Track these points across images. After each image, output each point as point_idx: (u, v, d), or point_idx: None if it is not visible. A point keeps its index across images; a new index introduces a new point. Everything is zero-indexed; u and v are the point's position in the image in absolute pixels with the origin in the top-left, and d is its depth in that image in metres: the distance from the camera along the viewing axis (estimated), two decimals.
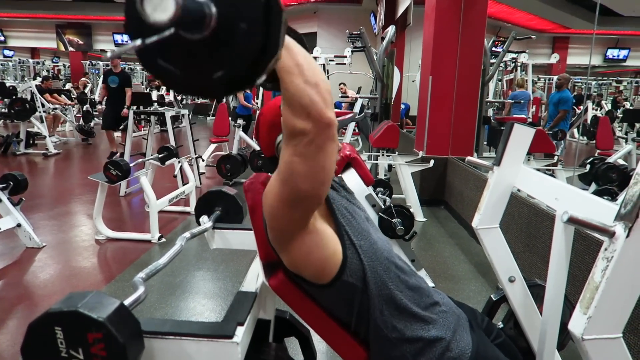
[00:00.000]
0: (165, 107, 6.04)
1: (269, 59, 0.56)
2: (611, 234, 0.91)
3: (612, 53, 13.92)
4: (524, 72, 9.06)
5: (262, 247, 1.13)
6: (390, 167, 5.21)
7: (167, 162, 4.11)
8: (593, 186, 4.14)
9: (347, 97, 7.73)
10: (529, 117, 8.13)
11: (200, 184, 5.35)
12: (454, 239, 3.75)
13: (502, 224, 1.48)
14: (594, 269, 0.94)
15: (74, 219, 4.09)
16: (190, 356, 1.00)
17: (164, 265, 1.35)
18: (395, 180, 4.65)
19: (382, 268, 0.99)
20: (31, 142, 7.60)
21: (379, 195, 2.94)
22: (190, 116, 5.81)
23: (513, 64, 9.38)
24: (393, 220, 2.60)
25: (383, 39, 5.34)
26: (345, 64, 8.67)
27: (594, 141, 6.15)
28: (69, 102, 9.99)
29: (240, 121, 6.36)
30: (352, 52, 7.14)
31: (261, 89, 8.76)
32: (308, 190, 0.82)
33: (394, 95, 6.62)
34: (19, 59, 15.48)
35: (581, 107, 8.78)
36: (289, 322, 1.52)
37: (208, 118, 14.79)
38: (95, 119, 11.57)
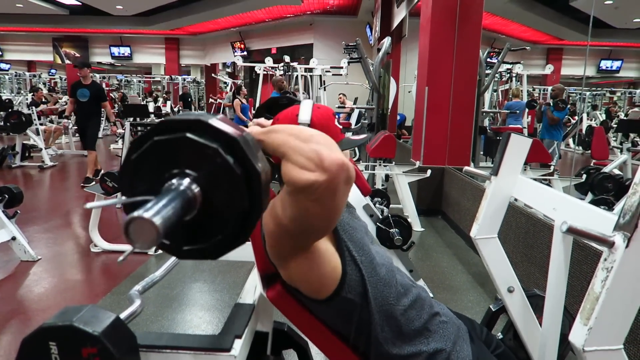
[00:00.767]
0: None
1: (258, 217, 0.59)
2: (610, 244, 0.91)
3: (605, 64, 14.06)
4: (519, 83, 9.13)
5: (260, 259, 1.12)
6: (387, 177, 5.21)
7: None
8: (589, 196, 4.15)
9: (345, 107, 7.78)
10: (525, 127, 8.19)
11: None
12: (452, 249, 3.74)
13: (500, 233, 1.48)
14: (594, 280, 0.94)
15: (69, 232, 4.06)
16: None
17: (160, 278, 1.34)
18: (393, 190, 4.65)
19: (382, 283, 0.97)
20: (27, 154, 7.58)
21: (377, 205, 2.94)
22: None
23: (508, 75, 9.46)
24: (391, 230, 2.59)
25: (379, 50, 5.38)
26: (341, 74, 8.73)
27: (589, 151, 6.19)
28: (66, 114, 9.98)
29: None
30: (349, 63, 7.17)
31: (257, 100, 8.79)
32: (318, 228, 0.80)
33: (390, 106, 6.65)
34: (16, 72, 15.49)
35: (576, 118, 8.84)
36: (287, 334, 1.50)
37: None
38: None
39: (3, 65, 18.48)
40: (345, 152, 0.98)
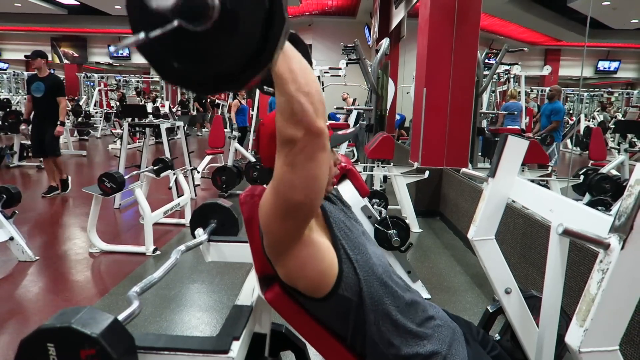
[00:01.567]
0: (161, 120, 6.03)
1: (263, 65, 0.55)
2: (606, 246, 0.92)
3: (603, 65, 14.12)
4: (516, 84, 9.15)
5: (258, 260, 1.13)
6: (385, 178, 5.22)
7: (162, 174, 4.10)
8: (587, 197, 4.16)
9: (342, 108, 7.78)
10: (523, 128, 8.20)
11: (196, 195, 5.33)
12: (450, 250, 3.75)
13: (497, 235, 1.48)
14: (590, 281, 0.95)
15: (67, 232, 4.05)
16: None
17: (158, 279, 1.34)
18: (391, 191, 4.65)
19: (378, 283, 0.98)
20: (25, 154, 7.57)
21: (375, 206, 2.95)
22: (185, 128, 5.81)
23: (506, 76, 9.47)
24: (389, 231, 2.60)
25: (377, 51, 5.39)
26: (340, 75, 8.73)
27: (587, 152, 6.21)
28: None
29: (235, 133, 6.39)
30: (347, 64, 7.19)
31: (256, 101, 8.78)
32: (300, 200, 0.81)
33: (388, 107, 6.66)
34: (14, 72, 15.46)
35: (574, 118, 8.86)
36: (284, 336, 1.51)
37: (203, 130, 14.75)
38: (91, 131, 11.57)
39: (1, 65, 18.44)
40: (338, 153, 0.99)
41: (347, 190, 2.35)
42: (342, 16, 13.45)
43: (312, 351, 1.26)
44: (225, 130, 7.96)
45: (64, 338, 0.82)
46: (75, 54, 17.79)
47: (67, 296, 2.78)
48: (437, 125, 4.67)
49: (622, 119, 9.59)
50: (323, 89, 9.39)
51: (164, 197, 4.84)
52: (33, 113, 5.07)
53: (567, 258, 1.22)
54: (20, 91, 14.52)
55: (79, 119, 10.31)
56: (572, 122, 8.88)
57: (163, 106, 11.69)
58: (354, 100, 10.22)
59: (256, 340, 1.30)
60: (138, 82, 16.88)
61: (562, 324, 1.30)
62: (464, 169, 1.95)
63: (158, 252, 3.46)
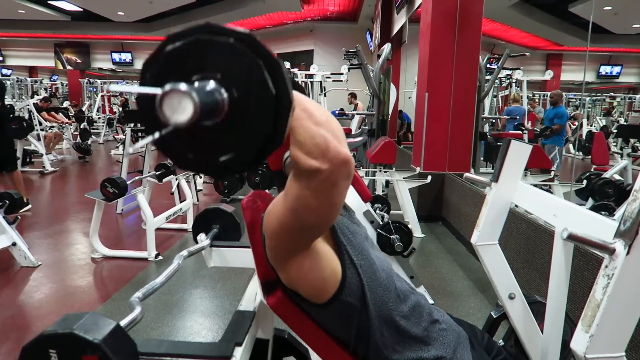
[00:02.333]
0: None
1: (275, 147, 0.58)
2: (611, 251, 0.91)
3: (605, 70, 14.10)
4: (518, 88, 9.15)
5: (261, 266, 1.12)
6: (387, 183, 5.21)
7: (165, 180, 4.11)
8: (590, 201, 4.14)
9: (344, 111, 7.79)
10: (525, 133, 8.19)
11: (198, 200, 5.34)
12: (453, 255, 3.74)
13: (501, 240, 1.47)
14: (595, 287, 0.94)
15: (70, 237, 4.06)
16: None
17: (161, 285, 1.34)
18: (393, 196, 4.65)
19: (381, 288, 0.97)
20: (28, 160, 7.59)
21: (377, 211, 2.94)
22: None
23: (508, 81, 9.47)
24: (391, 236, 2.59)
25: (379, 56, 5.40)
26: (341, 81, 8.75)
27: (590, 157, 6.20)
28: (67, 120, 10.01)
29: None
30: (349, 69, 7.20)
31: None
32: (315, 223, 0.80)
33: (390, 112, 6.66)
34: (17, 78, 15.54)
35: (576, 123, 8.85)
36: (287, 342, 1.50)
37: None
38: (92, 136, 11.59)
39: (5, 71, 18.54)
40: None
41: (349, 195, 2.35)
42: (344, 21, 13.49)
43: (314, 357, 1.25)
44: None
45: (66, 344, 0.81)
46: (78, 60, 17.86)
47: (69, 302, 2.77)
48: (439, 130, 4.66)
49: (625, 123, 9.58)
50: (325, 94, 9.42)
51: (166, 202, 4.84)
52: None
53: (571, 263, 1.21)
54: (23, 97, 14.57)
55: (82, 125, 10.34)
56: (574, 126, 8.86)
57: None
58: (356, 105, 10.23)
59: (259, 346, 1.30)
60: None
61: (567, 329, 1.29)
62: (466, 174, 1.95)
63: (160, 258, 3.46)
